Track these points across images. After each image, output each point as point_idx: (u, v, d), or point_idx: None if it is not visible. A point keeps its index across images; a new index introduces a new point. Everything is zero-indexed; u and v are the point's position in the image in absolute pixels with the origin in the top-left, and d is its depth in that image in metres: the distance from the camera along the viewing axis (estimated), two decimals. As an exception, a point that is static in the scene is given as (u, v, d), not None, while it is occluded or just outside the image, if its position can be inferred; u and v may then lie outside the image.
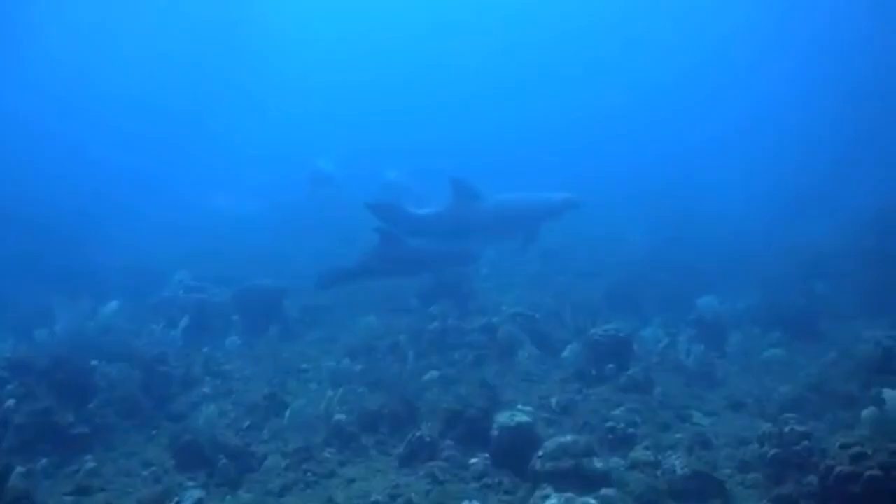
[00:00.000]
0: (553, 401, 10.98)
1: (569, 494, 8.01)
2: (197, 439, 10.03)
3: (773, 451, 9.00)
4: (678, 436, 10.09)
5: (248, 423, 11.00)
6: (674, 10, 47.71)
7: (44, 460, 9.88)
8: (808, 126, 33.20)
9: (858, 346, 12.84)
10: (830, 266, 18.30)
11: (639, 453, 9.33)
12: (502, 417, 9.59)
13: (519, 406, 10.67)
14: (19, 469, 9.03)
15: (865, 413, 9.24)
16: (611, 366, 11.66)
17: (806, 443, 8.93)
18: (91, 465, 9.93)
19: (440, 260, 14.95)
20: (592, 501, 7.93)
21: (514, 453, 9.23)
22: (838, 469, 8.00)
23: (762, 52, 44.28)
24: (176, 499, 8.98)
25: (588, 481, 8.50)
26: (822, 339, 14.32)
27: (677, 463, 9.02)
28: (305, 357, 13.77)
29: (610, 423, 9.99)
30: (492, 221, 15.02)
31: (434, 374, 12.14)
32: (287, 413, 10.89)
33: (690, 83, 44.62)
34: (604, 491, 8.28)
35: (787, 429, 9.13)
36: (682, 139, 35.16)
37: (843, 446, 8.33)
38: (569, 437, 9.00)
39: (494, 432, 9.48)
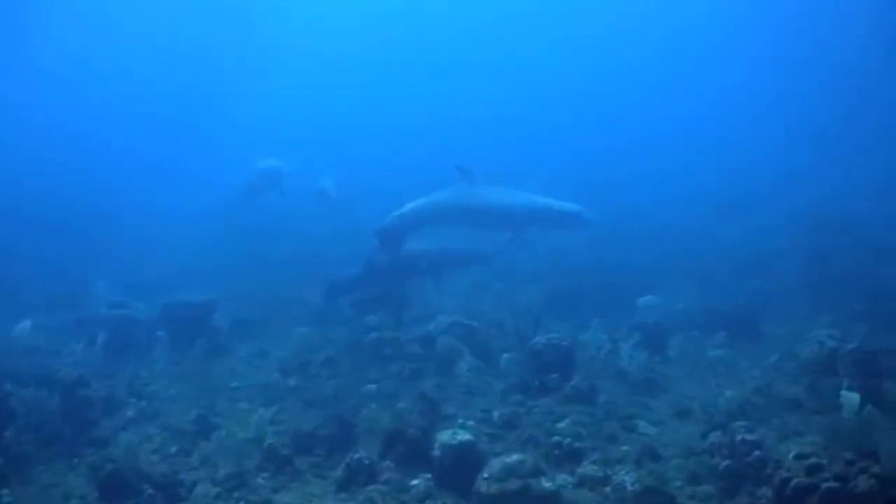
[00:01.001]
0: (496, 414, 10.55)
1: (517, 517, 7.65)
2: (120, 468, 9.41)
3: (724, 463, 8.74)
4: (625, 448, 9.74)
5: (175, 448, 10.38)
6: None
7: (-47, 498, 9.20)
8: (747, 126, 33.48)
9: (801, 346, 12.75)
10: (769, 265, 18.31)
11: (587, 469, 9.00)
12: (444, 436, 9.16)
13: (460, 420, 10.28)
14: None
15: (819, 419, 9.03)
16: (554, 376, 11.28)
17: (758, 453, 8.68)
18: (7, 500, 9.23)
19: (451, 260, 15.45)
20: (542, 524, 7.57)
21: (458, 473, 8.81)
22: (794, 481, 7.75)
23: (714, 47, 44.39)
24: (98, 535, 8.44)
25: (536, 502, 8.14)
26: (764, 340, 14.20)
27: (627, 478, 8.71)
28: (236, 374, 13.25)
29: (556, 438, 9.61)
30: (481, 211, 15.31)
31: (371, 388, 11.69)
32: (216, 436, 10.35)
33: (635, 77, 44.49)
34: (553, 512, 7.95)
35: (737, 438, 8.88)
36: (620, 134, 35.00)
37: (798, 457, 8.10)
38: (514, 457, 8.61)
39: (436, 452, 9.04)
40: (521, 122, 38.83)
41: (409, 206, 15.62)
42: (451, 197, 15.45)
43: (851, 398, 9.12)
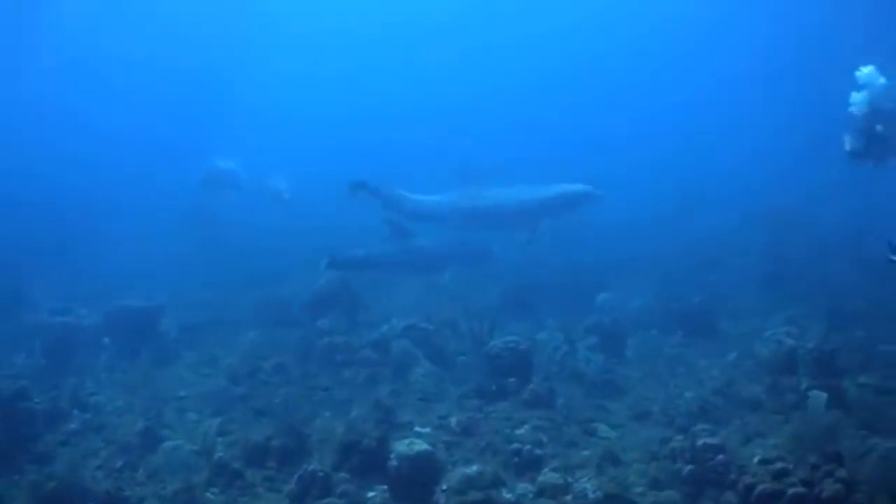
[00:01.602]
0: (453, 421, 10.25)
1: (477, 531, 7.39)
2: (63, 485, 9.00)
3: (687, 468, 8.55)
4: (585, 453, 9.53)
5: (120, 462, 9.98)
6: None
7: None
8: (704, 124, 33.60)
9: (759, 344, 12.68)
10: (726, 262, 18.28)
11: (547, 476, 8.74)
12: (400, 446, 8.87)
13: (416, 428, 10.03)
14: None
15: (780, 420, 8.92)
16: (512, 380, 11.03)
17: (721, 457, 8.51)
18: (-57, 520, 8.83)
19: (455, 256, 15.89)
20: (503, 538, 7.32)
21: (416, 485, 8.56)
22: (760, 487, 7.61)
23: (672, 48, 44.29)
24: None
25: (497, 515, 7.91)
26: (722, 338, 14.08)
27: (588, 486, 8.54)
28: (184, 382, 12.82)
29: (515, 445, 9.34)
30: (492, 212, 15.72)
31: (324, 395, 11.38)
32: (163, 449, 9.97)
33: (595, 73, 44.27)
34: (515, 524, 7.71)
35: (699, 442, 8.71)
36: (578, 132, 34.82)
37: (763, 461, 7.98)
38: (474, 468, 8.43)
39: (393, 462, 8.75)
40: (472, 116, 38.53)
41: (419, 196, 16.04)
42: (460, 200, 15.79)
43: (819, 399, 8.99)
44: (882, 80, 9.74)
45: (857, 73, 9.73)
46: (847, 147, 10.09)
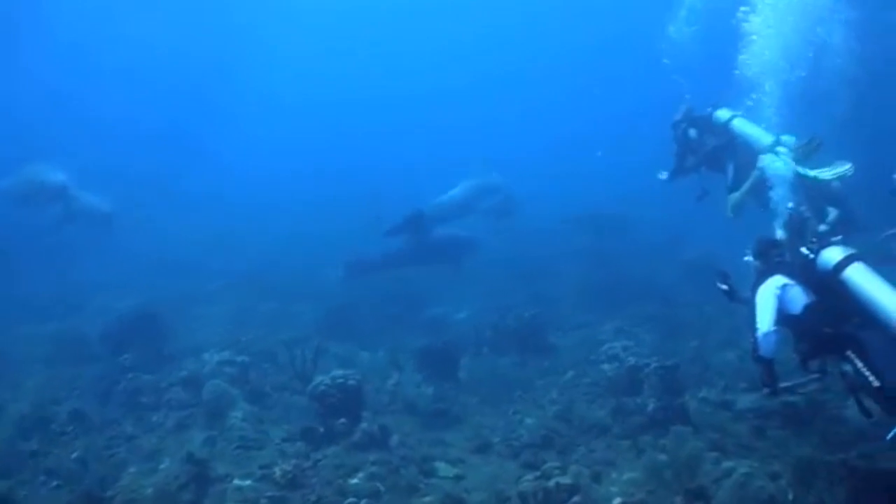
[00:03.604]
0: (277, 471, 9.11)
1: None
2: None
3: (542, 514, 7.81)
4: (427, 499, 8.62)
5: None
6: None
7: None
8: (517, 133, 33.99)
9: (595, 358, 12.29)
10: (548, 268, 17.95)
11: (388, 534, 7.82)
12: (219, 513, 7.75)
13: (236, 481, 8.90)
14: None
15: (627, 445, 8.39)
16: (342, 420, 10.02)
17: (576, 499, 7.80)
18: None
19: (453, 245, 16.44)
20: None
21: (237, 559, 7.46)
22: (626, 535, 6.97)
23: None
24: None
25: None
26: (555, 353, 13.50)
27: (434, 541, 7.65)
28: (-38, 439, 11.12)
29: (350, 499, 8.34)
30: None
31: (128, 447, 10.08)
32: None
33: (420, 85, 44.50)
34: None
35: (551, 482, 7.98)
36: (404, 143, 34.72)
37: (625, 505, 7.35)
38: (306, 538, 7.36)
39: (211, 534, 7.63)
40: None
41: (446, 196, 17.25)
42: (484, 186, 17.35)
43: (681, 435, 8.51)
44: None
45: None
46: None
